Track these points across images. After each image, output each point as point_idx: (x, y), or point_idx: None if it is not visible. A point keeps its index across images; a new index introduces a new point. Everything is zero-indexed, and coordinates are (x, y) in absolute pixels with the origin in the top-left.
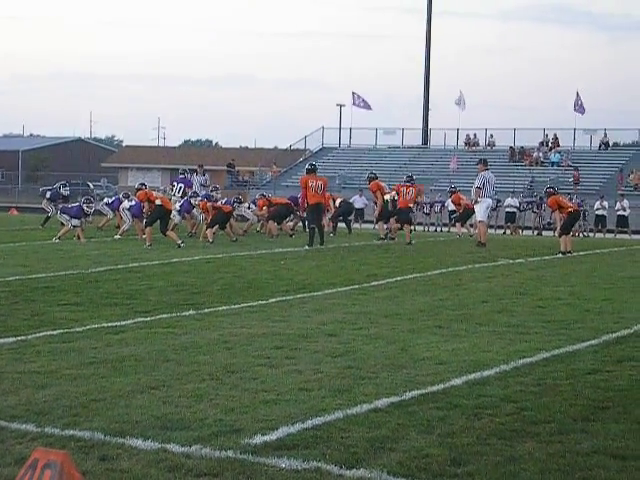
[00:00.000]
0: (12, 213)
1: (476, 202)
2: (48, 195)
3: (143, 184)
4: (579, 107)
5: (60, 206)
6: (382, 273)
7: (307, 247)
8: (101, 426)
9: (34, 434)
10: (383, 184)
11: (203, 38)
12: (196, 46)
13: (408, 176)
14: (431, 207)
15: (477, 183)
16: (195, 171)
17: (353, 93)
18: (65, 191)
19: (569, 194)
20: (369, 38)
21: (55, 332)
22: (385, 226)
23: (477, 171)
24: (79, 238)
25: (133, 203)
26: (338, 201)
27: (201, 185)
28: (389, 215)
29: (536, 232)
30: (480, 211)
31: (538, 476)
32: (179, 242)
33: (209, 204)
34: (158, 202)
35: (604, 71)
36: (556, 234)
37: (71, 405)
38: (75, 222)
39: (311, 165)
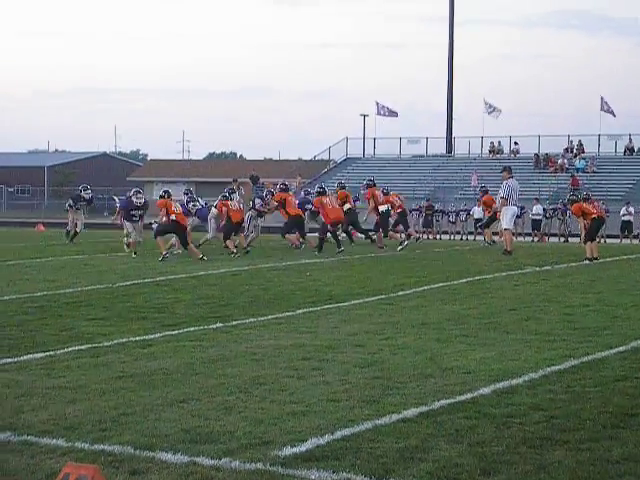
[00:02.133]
0: (39, 229)
1: (499, 211)
2: (70, 202)
3: (166, 191)
4: (608, 109)
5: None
6: (409, 283)
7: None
8: (131, 440)
9: (64, 449)
10: (378, 192)
11: (227, 50)
12: (220, 59)
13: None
14: (457, 215)
15: (502, 193)
16: (232, 189)
17: (377, 102)
18: (87, 194)
19: (598, 200)
20: (392, 47)
21: (83, 347)
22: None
23: (501, 179)
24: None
25: (199, 207)
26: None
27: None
28: (394, 224)
29: (562, 239)
30: (505, 219)
31: None
32: (200, 256)
33: (224, 208)
34: (173, 217)
35: (628, 76)
36: (581, 241)
37: (100, 419)
38: (129, 227)
39: (321, 187)
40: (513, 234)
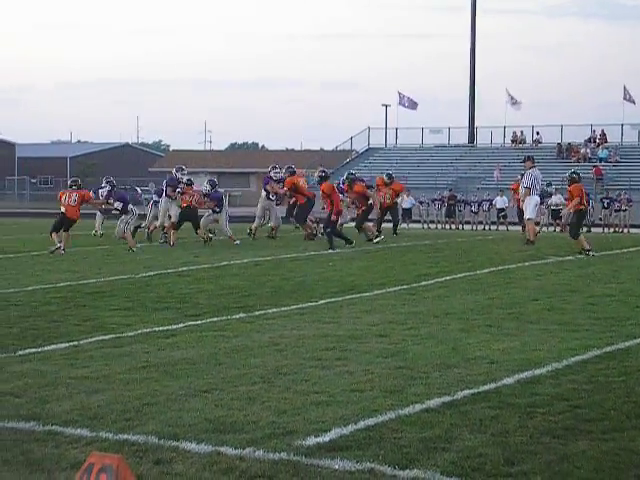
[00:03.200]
0: None
1: (522, 201)
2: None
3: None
4: (629, 97)
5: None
6: (431, 273)
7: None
8: (155, 430)
9: (88, 439)
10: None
11: (248, 41)
12: (241, 49)
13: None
14: (479, 206)
15: (526, 183)
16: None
17: (399, 92)
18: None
19: (621, 190)
20: (414, 37)
21: (107, 337)
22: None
23: (524, 169)
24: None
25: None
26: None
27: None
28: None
29: (585, 229)
30: (529, 209)
31: (592, 474)
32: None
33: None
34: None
35: None
36: (566, 231)
37: (124, 409)
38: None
39: (324, 172)
40: (537, 224)
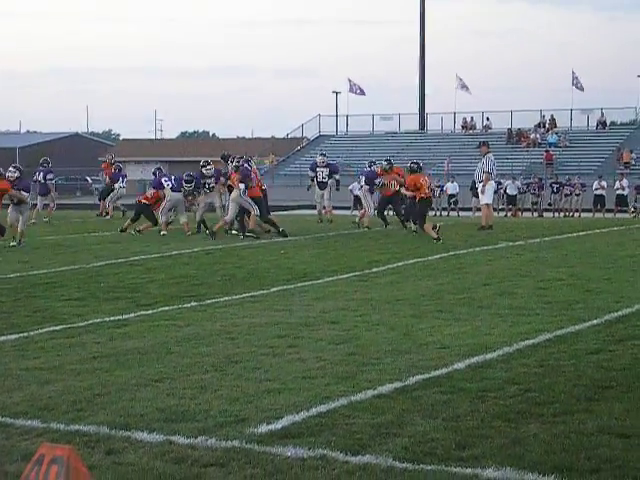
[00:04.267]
0: None
1: (484, 185)
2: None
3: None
4: (578, 84)
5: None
6: (382, 259)
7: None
8: (106, 420)
9: (39, 430)
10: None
11: (198, 29)
12: (191, 37)
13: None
14: (431, 192)
15: (486, 167)
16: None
17: (349, 80)
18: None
19: (571, 175)
20: (364, 24)
21: (58, 327)
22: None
23: (480, 153)
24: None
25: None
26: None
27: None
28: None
29: (536, 214)
30: (487, 194)
31: (543, 457)
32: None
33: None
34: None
35: (599, 51)
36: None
37: (76, 400)
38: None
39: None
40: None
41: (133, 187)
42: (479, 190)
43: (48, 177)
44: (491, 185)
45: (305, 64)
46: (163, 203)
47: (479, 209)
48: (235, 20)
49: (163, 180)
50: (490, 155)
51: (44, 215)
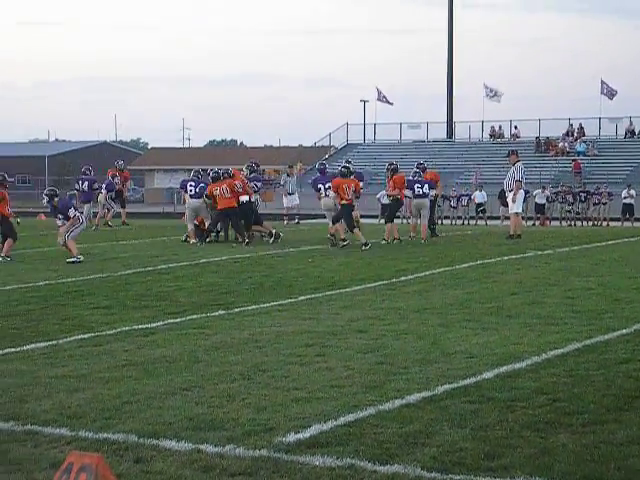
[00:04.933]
0: (41, 218)
1: (514, 194)
2: (104, 189)
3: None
4: (607, 92)
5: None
6: (410, 268)
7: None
8: (134, 428)
9: (68, 438)
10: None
11: (226, 37)
12: (219, 46)
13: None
14: (458, 200)
15: (517, 176)
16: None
17: (377, 88)
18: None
19: (600, 184)
20: (392, 33)
21: (86, 335)
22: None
23: (509, 162)
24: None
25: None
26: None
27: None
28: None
29: (567, 223)
30: (518, 202)
31: (573, 467)
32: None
33: None
34: None
35: (628, 59)
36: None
37: (104, 408)
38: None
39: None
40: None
41: (160, 195)
42: (509, 199)
43: (94, 186)
44: (521, 194)
45: (333, 73)
46: (186, 212)
47: (507, 218)
48: (263, 29)
49: (188, 185)
50: (520, 164)
51: (94, 222)
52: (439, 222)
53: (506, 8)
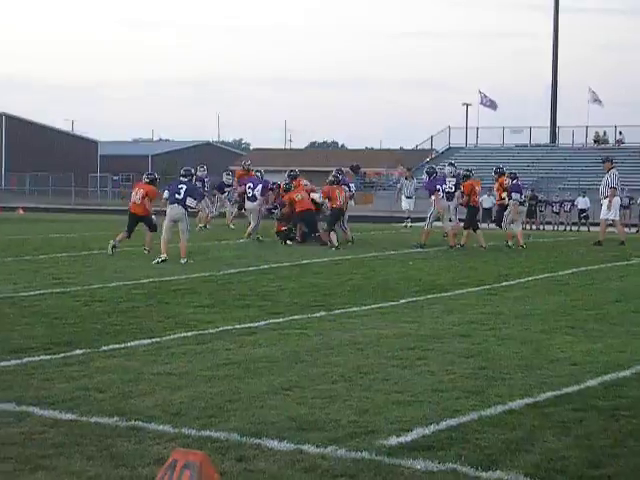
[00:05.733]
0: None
1: (610, 201)
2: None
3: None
4: None
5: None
6: (513, 273)
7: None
8: (237, 427)
9: (171, 435)
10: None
11: (329, 40)
12: (321, 48)
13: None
14: (560, 206)
15: (612, 182)
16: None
17: (480, 92)
18: (228, 179)
19: None
20: (496, 36)
21: (189, 334)
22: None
23: (604, 169)
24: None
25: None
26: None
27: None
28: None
29: None
30: (614, 209)
31: None
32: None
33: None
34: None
35: None
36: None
37: (207, 406)
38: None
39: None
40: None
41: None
42: (605, 205)
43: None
44: (616, 201)
45: (435, 76)
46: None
47: (611, 224)
48: (365, 32)
49: (247, 187)
50: (614, 170)
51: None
52: (541, 227)
53: (611, 12)
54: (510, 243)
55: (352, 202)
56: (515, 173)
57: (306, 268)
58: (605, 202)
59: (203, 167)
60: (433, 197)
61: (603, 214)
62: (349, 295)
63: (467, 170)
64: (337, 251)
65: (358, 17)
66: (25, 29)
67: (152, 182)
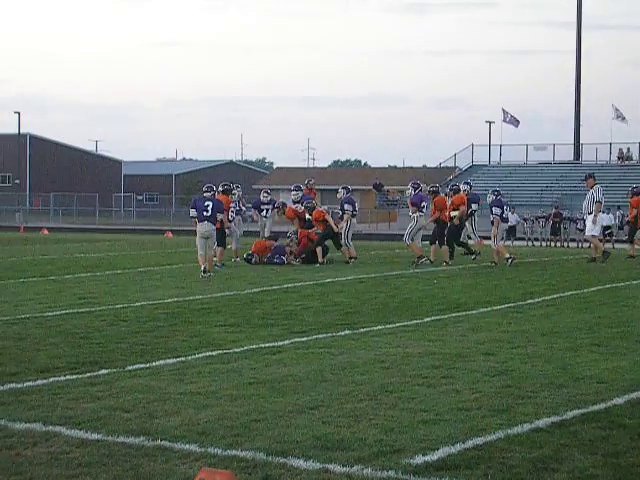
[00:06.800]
0: (168, 236)
1: (595, 216)
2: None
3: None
4: None
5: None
6: (538, 291)
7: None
8: (263, 446)
9: (197, 454)
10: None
11: (351, 58)
12: (344, 66)
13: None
14: (584, 223)
15: (597, 197)
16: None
17: (503, 109)
18: (265, 197)
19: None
20: (518, 54)
21: (214, 353)
22: None
23: (587, 186)
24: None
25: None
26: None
27: None
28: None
29: None
30: (597, 226)
31: None
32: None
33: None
34: None
35: None
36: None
37: (232, 425)
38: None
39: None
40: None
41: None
42: (589, 222)
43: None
44: (601, 216)
45: (457, 94)
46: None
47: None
48: (387, 50)
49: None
50: (598, 186)
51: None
52: (565, 245)
53: (635, 29)
54: (496, 259)
55: (354, 220)
56: (499, 190)
57: (329, 287)
58: (590, 218)
59: (238, 187)
60: (412, 212)
61: (588, 231)
62: (373, 313)
63: (433, 185)
64: (361, 269)
65: (381, 35)
66: (50, 49)
67: (225, 192)
